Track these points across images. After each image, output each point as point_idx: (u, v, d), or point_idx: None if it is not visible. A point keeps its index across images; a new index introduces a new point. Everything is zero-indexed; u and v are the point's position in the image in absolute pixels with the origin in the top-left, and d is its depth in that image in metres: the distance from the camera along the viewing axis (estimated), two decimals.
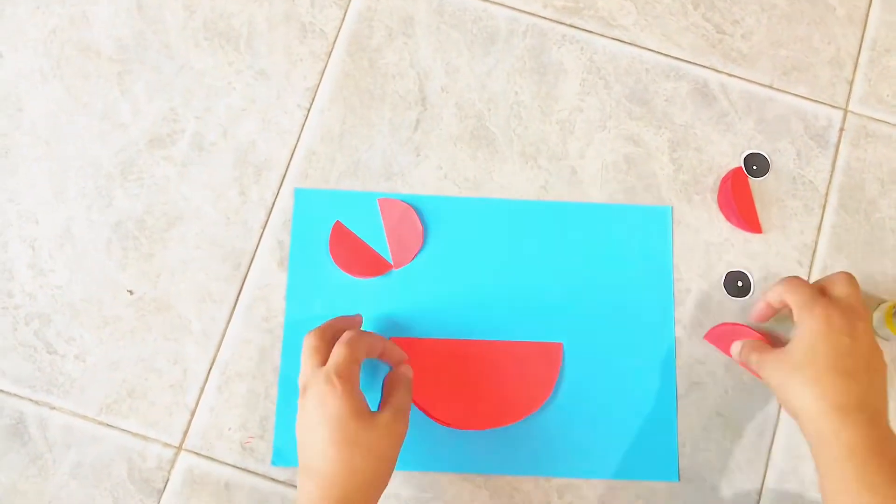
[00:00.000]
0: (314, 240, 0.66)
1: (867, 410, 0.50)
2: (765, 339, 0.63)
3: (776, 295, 0.59)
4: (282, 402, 0.63)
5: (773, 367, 0.56)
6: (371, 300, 0.65)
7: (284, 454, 0.62)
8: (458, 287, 0.65)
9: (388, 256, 0.65)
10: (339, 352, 0.55)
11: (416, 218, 0.65)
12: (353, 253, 0.65)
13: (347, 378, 0.53)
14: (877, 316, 0.65)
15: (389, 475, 0.54)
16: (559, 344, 0.64)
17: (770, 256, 0.66)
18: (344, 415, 0.52)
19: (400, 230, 0.65)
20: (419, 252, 0.65)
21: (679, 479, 0.63)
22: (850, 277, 0.57)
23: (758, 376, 0.59)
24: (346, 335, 0.56)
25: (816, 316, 0.54)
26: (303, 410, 0.54)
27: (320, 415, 0.52)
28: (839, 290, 0.56)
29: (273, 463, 0.62)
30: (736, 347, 0.62)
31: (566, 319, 0.65)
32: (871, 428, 0.49)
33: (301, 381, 0.55)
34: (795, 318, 0.56)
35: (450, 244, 0.66)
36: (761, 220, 0.67)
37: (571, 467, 0.63)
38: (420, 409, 0.63)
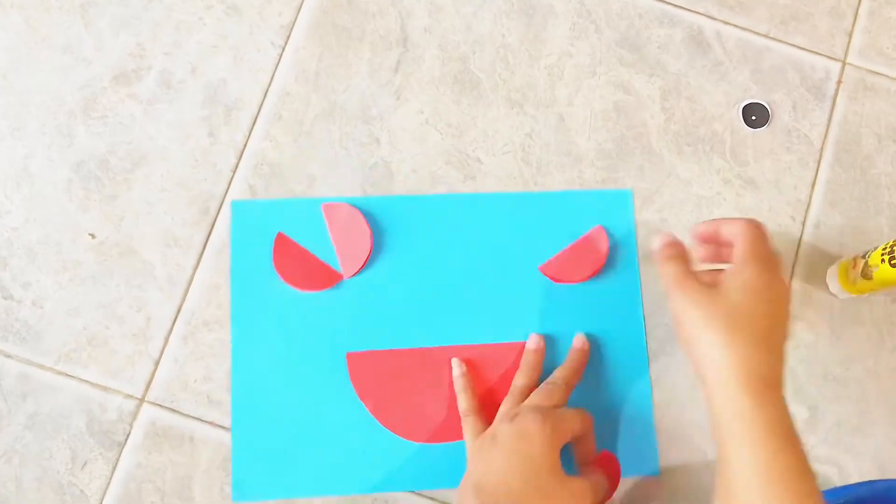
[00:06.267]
0: (257, 254, 0.60)
1: (781, 387, 0.45)
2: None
3: (732, 229, 0.50)
4: (238, 437, 0.58)
5: (694, 302, 0.46)
6: (323, 314, 0.60)
7: (247, 488, 0.58)
8: (416, 292, 0.60)
9: (337, 265, 0.61)
10: (552, 392, 0.54)
11: (364, 220, 0.61)
12: (299, 265, 0.60)
13: (554, 424, 0.52)
14: (831, 271, 0.62)
15: None
16: None
17: (762, 211, 0.64)
18: (541, 464, 0.50)
19: (347, 235, 0.61)
20: (370, 258, 0.61)
21: (659, 473, 0.59)
22: (763, 229, 0.50)
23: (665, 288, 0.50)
24: (552, 387, 0.56)
25: (765, 272, 0.47)
26: (502, 436, 0.52)
27: (516, 446, 0.50)
28: (766, 248, 0.48)
29: (234, 499, 0.57)
30: (658, 242, 0.52)
31: (534, 316, 0.61)
32: (784, 407, 0.45)
33: (505, 409, 0.54)
34: (738, 259, 0.48)
35: (403, 247, 0.61)
36: (755, 174, 0.64)
37: None
38: (388, 427, 0.58)
